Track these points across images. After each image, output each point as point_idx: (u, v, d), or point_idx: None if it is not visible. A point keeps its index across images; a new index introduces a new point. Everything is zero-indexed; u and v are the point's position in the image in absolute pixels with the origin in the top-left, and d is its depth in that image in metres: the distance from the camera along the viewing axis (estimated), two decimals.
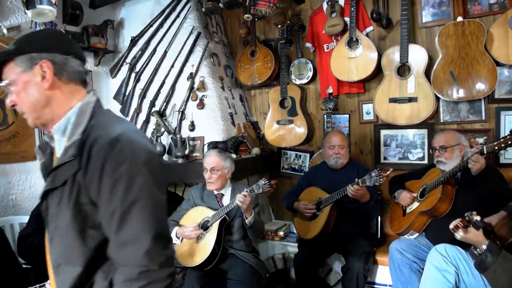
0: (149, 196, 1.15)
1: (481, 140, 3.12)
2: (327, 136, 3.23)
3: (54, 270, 1.25)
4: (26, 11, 2.72)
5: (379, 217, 3.35)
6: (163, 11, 3.89)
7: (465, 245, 2.20)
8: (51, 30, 1.31)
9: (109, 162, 1.11)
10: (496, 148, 2.37)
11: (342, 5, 3.52)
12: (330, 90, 3.57)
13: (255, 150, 3.71)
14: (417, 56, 3.17)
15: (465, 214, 2.04)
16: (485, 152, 2.42)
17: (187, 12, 3.81)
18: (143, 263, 1.11)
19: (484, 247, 1.94)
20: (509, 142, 2.32)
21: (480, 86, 2.94)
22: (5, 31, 3.16)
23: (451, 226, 2.09)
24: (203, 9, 3.46)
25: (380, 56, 3.32)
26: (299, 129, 3.75)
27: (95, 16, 4.00)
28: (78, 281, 1.17)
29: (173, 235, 2.85)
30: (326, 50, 3.69)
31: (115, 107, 3.97)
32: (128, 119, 3.86)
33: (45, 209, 1.24)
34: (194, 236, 2.76)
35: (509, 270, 1.82)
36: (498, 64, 2.91)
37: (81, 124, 1.20)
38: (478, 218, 2.00)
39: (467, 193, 2.59)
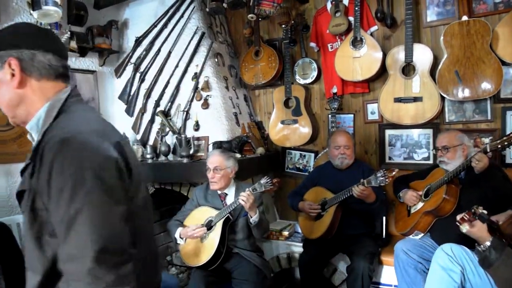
0: (97, 206, 1.03)
1: (486, 140, 3.10)
2: (333, 136, 3.22)
3: (26, 274, 1.18)
4: (32, 12, 2.73)
5: (384, 218, 3.34)
6: (167, 11, 3.90)
7: (471, 245, 2.19)
8: (19, 25, 1.22)
9: (55, 165, 1.03)
10: (499, 146, 2.36)
11: (346, 4, 3.51)
12: (335, 90, 3.57)
13: (260, 150, 3.71)
14: (422, 55, 3.16)
15: (472, 208, 2.03)
16: (488, 150, 2.42)
17: (191, 12, 3.81)
18: (87, 281, 0.99)
19: (488, 243, 1.93)
20: None
21: (486, 85, 2.92)
22: None
23: (458, 217, 2.08)
24: (207, 9, 3.46)
25: (384, 56, 3.31)
26: (304, 129, 3.75)
27: (99, 17, 4.01)
28: None
29: (177, 235, 2.87)
30: (330, 50, 3.68)
31: (120, 107, 3.99)
32: (133, 119, 3.88)
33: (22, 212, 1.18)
34: (197, 236, 2.77)
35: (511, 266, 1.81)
36: (503, 63, 2.90)
37: (47, 123, 1.15)
38: (484, 211, 2.00)
39: (471, 192, 2.58)
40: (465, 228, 2.03)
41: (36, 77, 1.18)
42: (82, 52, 3.73)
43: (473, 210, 2.01)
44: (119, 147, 1.16)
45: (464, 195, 2.60)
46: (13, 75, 1.16)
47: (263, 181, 2.69)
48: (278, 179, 2.79)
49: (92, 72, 3.92)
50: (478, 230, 1.98)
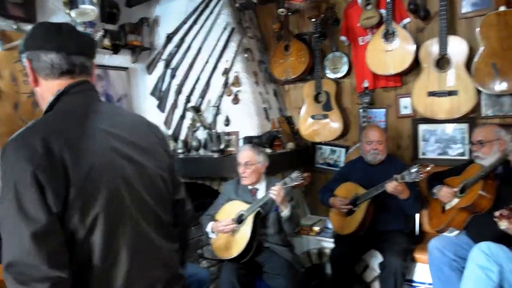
0: (11, 219, 1.03)
1: None
2: (365, 131, 3.19)
3: None
4: (70, 11, 2.80)
5: (417, 214, 3.28)
6: (197, 7, 3.93)
7: (510, 243, 2.13)
8: (34, 26, 1.26)
9: None
10: None
11: None
12: (366, 84, 3.52)
13: (290, 145, 3.70)
14: (457, 48, 3.07)
15: (511, 203, 1.97)
16: None
17: (220, 8, 3.83)
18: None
19: None
20: None
21: None
22: None
23: (496, 214, 2.03)
24: (237, 5, 3.47)
25: (417, 49, 3.23)
26: (334, 124, 3.72)
27: (131, 15, 4.07)
28: None
29: (208, 229, 2.91)
30: (361, 43, 3.63)
31: (152, 103, 4.06)
32: (165, 114, 3.94)
33: None
34: (228, 230, 2.80)
35: None
36: None
37: None
38: None
39: (510, 187, 2.50)
40: (503, 224, 1.97)
41: (43, 76, 1.25)
42: (115, 49, 3.81)
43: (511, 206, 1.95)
44: (59, 151, 1.10)
45: (502, 191, 2.52)
46: (28, 75, 1.27)
47: (293, 175, 2.69)
48: (308, 173, 2.78)
49: (125, 69, 4.00)
50: None
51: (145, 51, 4.16)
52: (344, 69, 3.74)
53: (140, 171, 1.25)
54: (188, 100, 3.82)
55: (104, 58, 3.78)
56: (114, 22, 3.82)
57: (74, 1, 2.61)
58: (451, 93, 3.09)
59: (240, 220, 2.83)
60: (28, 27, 3.19)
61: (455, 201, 2.74)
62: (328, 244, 3.39)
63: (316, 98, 3.79)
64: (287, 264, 2.80)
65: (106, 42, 3.64)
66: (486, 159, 2.65)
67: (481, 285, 2.18)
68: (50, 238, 1.05)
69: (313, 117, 3.80)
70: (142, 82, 4.18)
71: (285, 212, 2.74)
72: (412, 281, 3.01)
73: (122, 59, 3.98)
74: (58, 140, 1.11)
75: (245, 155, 2.89)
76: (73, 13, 2.71)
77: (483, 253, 2.22)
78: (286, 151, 3.64)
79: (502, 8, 2.91)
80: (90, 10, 2.68)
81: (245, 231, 2.78)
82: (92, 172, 1.13)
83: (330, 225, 3.43)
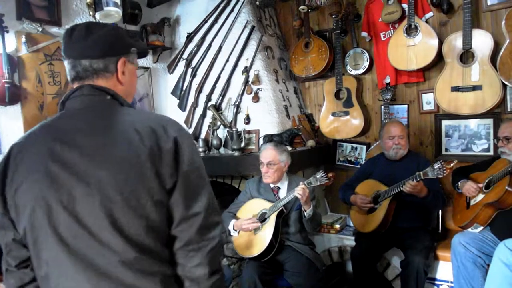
0: None
1: None
2: (386, 127, 3.15)
3: None
4: (95, 13, 2.86)
5: (440, 211, 3.23)
6: (217, 6, 3.96)
7: None
8: None
9: None
10: None
11: None
12: (388, 80, 3.47)
13: (310, 143, 3.69)
14: (482, 41, 3.00)
15: None
16: None
17: (240, 7, 3.85)
18: None
19: None
20: None
21: None
22: None
23: None
24: (257, 3, 3.48)
25: (441, 43, 3.18)
26: (355, 121, 3.69)
27: (152, 15, 4.14)
28: None
29: (230, 227, 2.92)
30: (383, 39, 3.58)
31: (173, 102, 4.11)
32: (185, 113, 3.98)
33: None
34: (251, 229, 2.81)
35: None
36: None
37: None
38: None
39: None
40: None
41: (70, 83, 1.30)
42: None
43: None
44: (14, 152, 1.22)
45: None
46: None
47: (318, 175, 2.69)
48: (333, 173, 2.77)
49: (146, 69, 4.07)
50: None
51: (166, 51, 4.22)
52: (365, 65, 3.70)
53: (86, 190, 1.12)
54: (208, 98, 3.85)
55: None
56: (136, 23, 3.88)
57: (98, 3, 2.67)
58: (475, 88, 3.02)
59: (263, 218, 2.84)
60: (53, 29, 3.29)
61: (480, 196, 2.68)
62: (349, 242, 3.37)
63: (337, 95, 3.77)
64: (308, 262, 2.80)
65: None
66: None
67: (507, 284, 2.13)
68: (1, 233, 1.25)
69: (333, 114, 3.78)
70: (163, 82, 4.24)
71: (308, 211, 2.74)
72: (434, 279, 2.97)
73: (144, 59, 4.04)
74: (16, 148, 1.23)
75: (268, 154, 2.88)
76: (97, 15, 2.77)
77: (509, 250, 2.18)
78: (306, 149, 3.63)
79: None
80: (115, 12, 2.74)
81: (267, 229, 2.79)
82: (21, 187, 1.17)
83: (351, 223, 3.41)
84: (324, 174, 2.65)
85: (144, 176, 1.12)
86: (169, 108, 4.17)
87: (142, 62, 4.03)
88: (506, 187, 2.45)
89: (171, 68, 4.19)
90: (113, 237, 1.12)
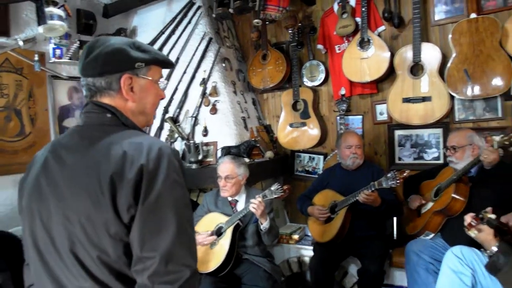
0: None
1: (497, 138, 3.02)
2: (344, 136, 3.21)
3: None
4: (38, 27, 2.78)
5: (395, 219, 3.31)
6: (175, 17, 3.94)
7: (482, 246, 2.15)
8: None
9: None
10: (507, 143, 2.33)
11: (353, 5, 3.50)
12: (343, 92, 3.55)
13: (269, 154, 3.70)
14: (430, 54, 3.12)
15: (480, 213, 1.99)
16: (496, 146, 2.39)
17: (198, 18, 3.85)
18: None
19: (495, 248, 1.89)
20: None
21: (496, 83, 2.88)
22: (21, 43, 3.24)
23: (465, 223, 2.05)
24: (214, 15, 3.48)
25: (392, 56, 3.28)
26: (312, 132, 3.74)
27: (108, 25, 4.07)
28: None
29: None
30: (338, 51, 3.67)
31: None
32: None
33: None
34: (207, 243, 2.78)
35: None
36: None
37: None
38: (492, 216, 1.95)
39: (482, 190, 2.54)
40: (473, 233, 1.99)
41: None
42: None
43: (481, 216, 1.97)
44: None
45: (475, 193, 2.56)
46: None
47: (273, 187, 2.69)
48: (288, 185, 2.78)
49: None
50: (486, 234, 1.94)
51: None
52: (321, 77, 3.77)
53: (57, 206, 1.12)
54: (166, 111, 3.80)
55: None
56: (90, 33, 3.81)
57: (42, 17, 2.59)
58: (425, 99, 3.13)
59: (219, 232, 2.81)
60: (1, 40, 3.17)
61: (430, 204, 2.77)
62: (308, 252, 3.39)
63: (294, 106, 3.81)
64: (266, 275, 2.78)
65: None
66: (459, 163, 2.69)
67: None
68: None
69: (291, 125, 3.82)
70: None
71: (265, 224, 2.73)
72: (391, 285, 3.03)
73: None
74: (34, 157, 1.29)
75: (226, 168, 2.86)
76: (41, 29, 2.70)
77: (456, 257, 2.24)
78: (265, 160, 3.64)
79: (473, 15, 2.98)
80: (59, 26, 2.67)
81: (224, 243, 2.76)
82: (23, 194, 1.24)
83: (309, 233, 3.43)
84: (279, 186, 2.66)
85: (100, 205, 1.05)
86: None
87: None
88: (453, 195, 2.55)
89: None
90: (71, 261, 1.10)
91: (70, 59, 3.51)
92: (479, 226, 1.95)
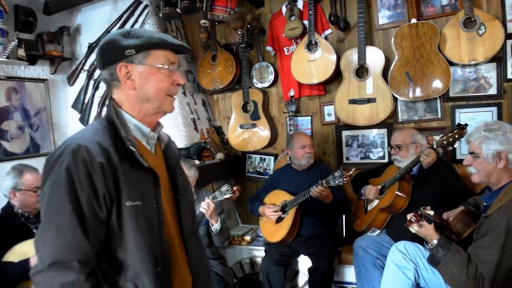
0: None
1: (437, 138, 3.20)
2: (296, 137, 3.25)
3: None
4: None
5: (343, 216, 3.40)
6: (121, 16, 3.80)
7: (424, 241, 2.25)
8: None
9: None
10: (445, 142, 2.45)
11: (301, 8, 3.55)
12: (292, 93, 3.60)
13: (219, 155, 3.68)
14: (374, 57, 3.23)
15: (418, 209, 2.09)
16: (435, 146, 2.51)
17: (145, 18, 3.75)
18: None
19: (435, 241, 1.99)
20: (457, 136, 2.41)
21: (435, 85, 3.03)
22: None
23: (408, 216, 2.14)
24: (160, 15, 3.41)
25: (339, 59, 3.37)
26: (263, 133, 3.76)
27: (49, 23, 3.86)
28: None
29: None
30: (286, 53, 3.71)
31: (74, 116, 3.86)
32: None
33: None
34: None
35: (458, 261, 1.87)
36: (451, 63, 3.01)
37: None
38: (431, 212, 2.05)
39: (423, 188, 2.68)
40: (413, 229, 2.08)
41: None
42: (32, 60, 3.59)
43: (419, 212, 2.07)
44: None
45: (416, 191, 2.69)
46: None
47: (223, 189, 2.69)
48: (238, 186, 2.79)
49: (43, 80, 3.78)
50: (426, 229, 2.04)
51: (66, 62, 3.96)
52: (270, 79, 3.80)
53: None
54: None
55: (19, 69, 3.55)
56: (30, 31, 3.60)
57: None
58: (370, 100, 3.24)
59: None
60: None
61: (376, 202, 2.87)
62: (260, 252, 3.41)
63: (244, 108, 3.82)
64: (217, 277, 2.78)
65: (21, 52, 3.41)
66: (404, 161, 2.82)
67: (398, 283, 2.28)
68: None
69: (241, 126, 3.82)
70: (63, 94, 3.97)
71: (215, 226, 2.72)
72: (341, 282, 3.10)
73: (40, 70, 3.76)
74: None
75: None
76: None
77: (400, 252, 2.33)
78: (215, 162, 3.61)
79: (413, 21, 3.11)
80: None
81: None
82: None
83: (261, 233, 3.45)
84: (229, 187, 2.67)
85: None
86: (70, 122, 3.92)
87: (38, 73, 3.75)
88: (396, 192, 2.66)
89: (71, 80, 3.94)
90: None
91: (7, 58, 3.31)
92: (420, 222, 2.04)
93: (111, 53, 1.27)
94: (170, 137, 1.54)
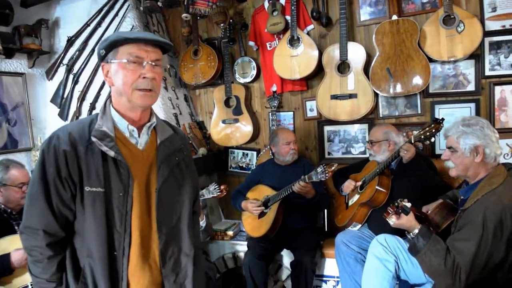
0: None
1: (415, 133, 3.25)
2: (281, 134, 3.25)
3: None
4: None
5: (325, 211, 3.43)
6: (101, 9, 3.74)
7: (404, 234, 2.29)
8: None
9: None
10: (423, 137, 2.49)
11: (283, 3, 3.55)
12: (274, 88, 3.61)
13: (202, 151, 3.67)
14: (356, 53, 3.26)
15: (395, 201, 2.13)
16: (413, 141, 2.55)
17: (126, 11, 3.69)
18: None
19: (416, 231, 2.04)
20: (434, 130, 2.45)
21: (415, 81, 3.07)
22: None
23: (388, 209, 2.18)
24: (141, 8, 3.37)
25: (321, 54, 3.38)
26: (245, 128, 3.76)
27: (27, 16, 3.77)
28: None
29: None
30: (269, 49, 3.71)
31: (53, 111, 3.79)
32: (67, 123, 3.70)
33: None
34: None
35: (437, 251, 1.92)
36: (431, 60, 3.05)
37: None
38: (408, 204, 2.10)
39: (402, 182, 2.72)
40: (391, 221, 2.12)
41: None
42: (9, 53, 3.51)
43: (396, 204, 2.11)
44: None
45: (396, 185, 2.73)
46: None
47: (211, 187, 2.71)
48: (225, 185, 2.81)
49: (21, 74, 3.70)
50: (406, 221, 2.08)
51: (44, 55, 3.87)
52: (253, 74, 3.80)
53: None
54: (92, 107, 3.62)
55: None
56: (6, 24, 3.51)
57: None
58: (351, 96, 3.27)
59: None
60: None
61: (356, 197, 2.91)
62: (243, 247, 3.41)
63: (227, 103, 3.81)
64: None
65: None
66: (377, 156, 2.90)
67: (379, 275, 2.32)
68: None
69: (224, 121, 3.81)
70: (41, 89, 3.89)
71: (201, 223, 2.71)
72: (322, 275, 3.14)
73: (17, 63, 3.67)
74: None
75: None
76: None
77: (380, 245, 2.37)
78: (198, 157, 3.60)
79: (394, 17, 3.14)
80: None
81: None
82: None
83: (244, 228, 3.45)
84: (216, 186, 2.67)
85: None
86: (49, 117, 3.84)
87: (15, 67, 3.66)
88: (376, 187, 2.69)
89: (50, 74, 3.86)
90: None
91: None
92: (396, 213, 2.08)
93: (97, 57, 1.47)
94: (176, 134, 1.63)
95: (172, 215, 1.52)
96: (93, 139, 1.39)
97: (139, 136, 1.49)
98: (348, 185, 2.98)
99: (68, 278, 1.43)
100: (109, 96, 1.51)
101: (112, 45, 1.40)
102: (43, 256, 1.38)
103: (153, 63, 1.42)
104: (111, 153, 1.39)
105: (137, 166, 1.45)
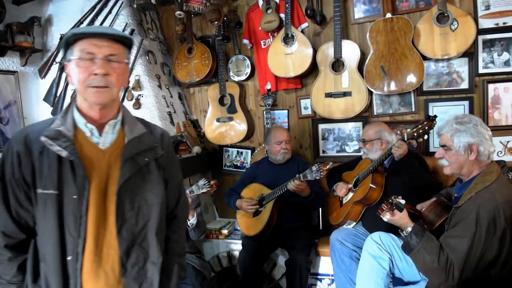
0: None
1: (409, 131, 3.25)
2: (273, 132, 3.24)
3: None
4: None
5: (320, 210, 3.43)
6: (94, 7, 3.71)
7: (399, 232, 2.29)
8: None
9: None
10: (416, 134, 2.49)
11: (277, 1, 3.55)
12: (269, 86, 3.60)
13: (196, 149, 3.66)
14: (350, 51, 3.25)
15: (389, 198, 2.13)
16: (405, 139, 2.55)
17: (119, 8, 3.67)
18: None
19: (410, 229, 2.04)
20: (426, 128, 2.45)
21: (409, 79, 3.07)
22: None
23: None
24: (134, 6, 3.35)
25: (315, 52, 3.38)
26: (240, 126, 3.75)
27: (19, 13, 3.74)
28: None
29: None
30: (263, 47, 3.70)
31: (46, 109, 3.76)
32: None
33: None
34: None
35: (431, 249, 1.92)
36: (424, 58, 3.06)
37: None
38: (402, 201, 2.10)
39: (395, 180, 2.72)
40: (385, 217, 2.12)
41: None
42: (1, 51, 3.48)
43: (390, 200, 2.11)
44: None
45: (389, 183, 2.74)
46: None
47: (200, 183, 2.68)
48: (215, 180, 2.78)
49: (13, 72, 3.66)
50: (400, 218, 2.08)
51: (37, 53, 3.84)
52: (247, 72, 3.79)
53: None
54: None
55: None
56: None
57: None
58: (345, 94, 3.27)
59: None
60: None
61: (350, 195, 2.91)
62: (238, 246, 3.40)
63: (221, 101, 3.80)
64: (194, 271, 2.76)
65: None
66: (369, 154, 2.90)
67: (374, 273, 2.32)
68: None
69: (218, 120, 3.80)
70: (34, 87, 3.85)
71: (192, 220, 2.70)
72: (317, 274, 3.14)
73: (10, 62, 3.63)
74: None
75: None
76: None
77: (375, 243, 2.37)
78: (192, 156, 3.59)
79: (388, 15, 3.14)
80: None
81: None
82: None
83: (238, 227, 3.45)
84: (206, 181, 2.65)
85: None
86: (42, 115, 3.79)
87: (8, 65, 3.62)
88: (370, 185, 2.70)
89: (42, 72, 3.82)
90: None
91: None
92: (391, 210, 2.08)
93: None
94: (151, 132, 1.57)
95: (137, 220, 1.42)
96: (43, 138, 1.32)
97: (100, 135, 1.42)
98: (341, 187, 2.98)
99: (27, 280, 1.40)
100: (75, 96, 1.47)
101: (67, 43, 1.35)
102: (3, 258, 1.37)
103: (107, 59, 1.34)
104: (63, 153, 1.32)
105: (96, 167, 1.38)
